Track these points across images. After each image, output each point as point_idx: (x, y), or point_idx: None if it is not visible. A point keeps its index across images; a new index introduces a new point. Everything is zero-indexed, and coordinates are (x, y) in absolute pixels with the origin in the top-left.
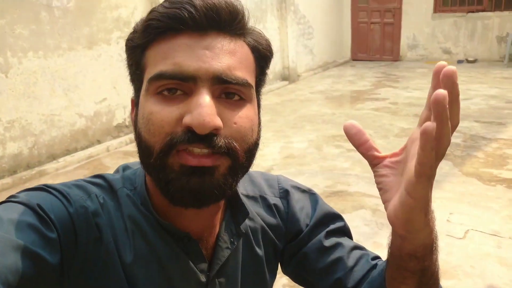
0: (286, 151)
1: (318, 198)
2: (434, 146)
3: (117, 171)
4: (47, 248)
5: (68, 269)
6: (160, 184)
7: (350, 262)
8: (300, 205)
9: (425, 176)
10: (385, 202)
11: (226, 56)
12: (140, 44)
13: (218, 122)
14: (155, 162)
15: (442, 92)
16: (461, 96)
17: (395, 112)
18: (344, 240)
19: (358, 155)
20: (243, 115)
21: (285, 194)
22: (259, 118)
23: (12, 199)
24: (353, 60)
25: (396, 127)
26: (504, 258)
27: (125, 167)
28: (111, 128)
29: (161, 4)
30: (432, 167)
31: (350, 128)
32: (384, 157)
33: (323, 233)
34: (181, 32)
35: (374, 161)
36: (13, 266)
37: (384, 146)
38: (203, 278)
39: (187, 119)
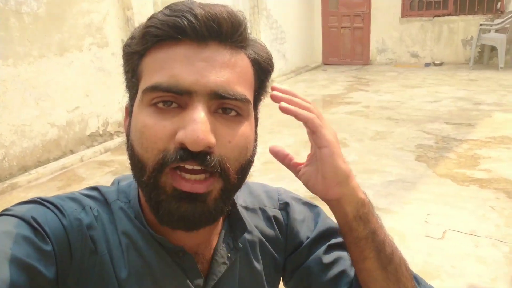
0: (265, 156)
1: (320, 211)
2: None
3: (113, 183)
4: (43, 261)
5: (63, 282)
6: (150, 203)
7: (353, 274)
8: (301, 218)
9: (314, 125)
10: (312, 185)
11: (226, 70)
12: (138, 51)
13: (211, 139)
14: (148, 181)
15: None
16: (430, 99)
17: (368, 115)
18: (345, 254)
19: None
20: (239, 133)
21: (285, 206)
22: (255, 133)
23: (6, 213)
24: (325, 64)
25: (370, 130)
26: (482, 257)
27: (121, 180)
28: (84, 137)
29: (161, 11)
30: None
31: (273, 150)
32: (302, 164)
33: (325, 247)
34: (180, 41)
35: (297, 168)
36: (8, 279)
37: (360, 150)
38: None
39: (180, 135)
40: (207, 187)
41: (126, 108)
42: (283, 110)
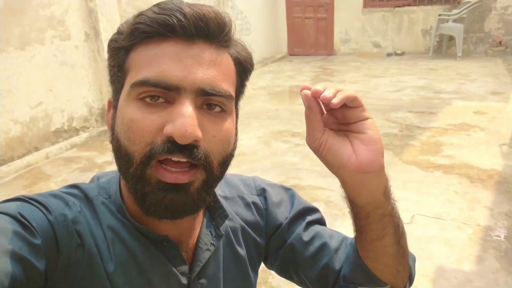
0: (237, 149)
1: (294, 193)
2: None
3: (92, 180)
4: (33, 254)
5: (51, 276)
6: (136, 195)
7: (333, 245)
8: (278, 200)
9: (359, 100)
10: (347, 157)
11: (212, 67)
12: (125, 46)
13: (199, 133)
14: (135, 172)
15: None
16: (393, 88)
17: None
18: (323, 228)
19: (306, 150)
20: (223, 128)
21: (262, 192)
22: (236, 128)
23: None
24: (290, 55)
25: None
26: (448, 240)
27: (100, 176)
28: (49, 133)
29: (150, 9)
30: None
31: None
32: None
33: (303, 224)
34: (168, 39)
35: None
36: (6, 270)
37: None
38: (184, 280)
39: (168, 129)
40: (189, 177)
41: (109, 102)
42: (337, 104)
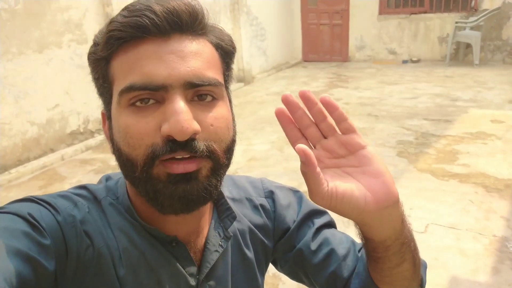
0: (249, 153)
1: (302, 195)
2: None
3: (100, 181)
4: (43, 254)
5: (61, 276)
6: (148, 195)
7: (341, 252)
8: (286, 203)
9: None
10: (362, 198)
11: (193, 58)
12: (104, 57)
13: (196, 126)
14: (141, 175)
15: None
16: (408, 95)
17: (349, 112)
18: (333, 233)
19: None
20: (219, 116)
21: (270, 194)
22: (232, 113)
23: (1, 210)
24: (305, 61)
25: None
26: (463, 250)
27: (107, 178)
28: (64, 135)
29: (119, 14)
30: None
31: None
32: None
33: (312, 229)
34: (144, 39)
35: (320, 176)
36: (16, 270)
37: None
38: (192, 282)
39: (165, 128)
40: (197, 164)
41: (103, 114)
42: (327, 102)
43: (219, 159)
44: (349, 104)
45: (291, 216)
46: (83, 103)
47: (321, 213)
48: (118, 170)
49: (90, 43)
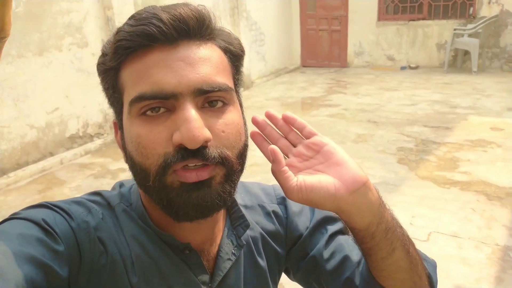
0: (250, 159)
1: None
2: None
3: (114, 188)
4: (56, 261)
5: (74, 283)
6: (162, 203)
7: (355, 258)
8: (299, 209)
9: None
10: (331, 188)
11: (203, 64)
12: (113, 67)
13: (207, 134)
14: (154, 184)
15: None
16: (407, 102)
17: (348, 118)
18: (346, 239)
19: None
20: (230, 121)
21: (282, 200)
22: (243, 117)
23: (16, 216)
24: (303, 66)
25: (351, 133)
26: (466, 259)
27: (121, 184)
28: (64, 139)
29: (126, 23)
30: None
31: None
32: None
33: (325, 236)
34: (152, 48)
35: (287, 173)
36: (27, 277)
37: None
38: None
39: (176, 137)
40: (210, 172)
41: (115, 123)
42: (287, 117)
43: (232, 165)
44: (348, 110)
45: (303, 223)
46: (82, 106)
47: (334, 219)
48: (117, 176)
49: (91, 46)
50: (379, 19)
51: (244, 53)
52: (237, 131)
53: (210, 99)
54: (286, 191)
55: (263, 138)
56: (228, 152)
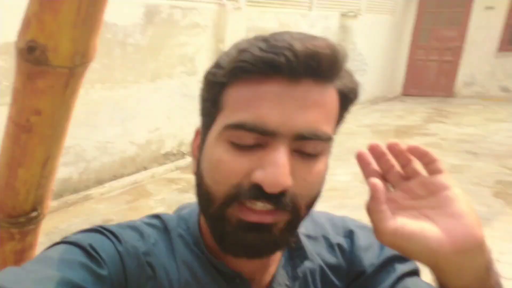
0: (328, 183)
1: None
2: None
3: (176, 211)
4: (98, 285)
5: None
6: (215, 234)
7: None
8: (366, 244)
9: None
10: (439, 240)
11: (315, 109)
12: (223, 82)
13: (289, 182)
14: (215, 212)
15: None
16: None
17: (445, 148)
18: (416, 282)
19: None
20: (316, 171)
21: (349, 234)
22: (327, 166)
23: (65, 240)
24: (404, 95)
25: (445, 163)
26: None
27: (183, 208)
28: (159, 155)
29: (256, 44)
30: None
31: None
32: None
33: (394, 276)
34: (271, 78)
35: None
36: None
37: None
38: None
39: (258, 176)
40: (274, 218)
41: (198, 132)
42: (415, 149)
43: (300, 213)
44: (446, 140)
45: (369, 259)
46: (180, 127)
47: (405, 259)
48: None
49: (199, 74)
50: (500, 49)
51: (357, 100)
52: (318, 181)
53: (306, 146)
54: (378, 232)
55: (369, 161)
56: (301, 201)
